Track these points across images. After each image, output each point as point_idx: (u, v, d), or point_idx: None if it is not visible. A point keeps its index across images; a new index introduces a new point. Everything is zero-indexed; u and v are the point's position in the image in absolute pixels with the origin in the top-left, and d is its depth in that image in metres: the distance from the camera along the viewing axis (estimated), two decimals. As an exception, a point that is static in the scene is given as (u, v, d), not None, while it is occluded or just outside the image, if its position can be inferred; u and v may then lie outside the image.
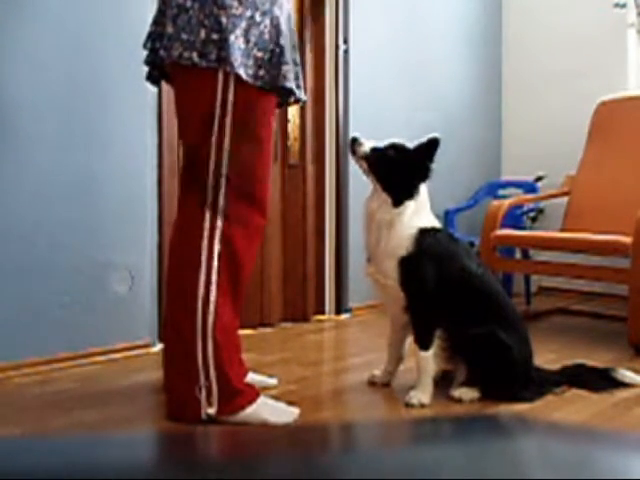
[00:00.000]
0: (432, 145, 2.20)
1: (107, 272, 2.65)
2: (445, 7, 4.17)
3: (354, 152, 2.25)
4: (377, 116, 3.62)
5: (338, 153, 3.57)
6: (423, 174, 2.21)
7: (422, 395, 2.13)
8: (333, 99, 3.56)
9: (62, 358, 2.52)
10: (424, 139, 2.22)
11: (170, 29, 1.86)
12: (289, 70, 1.92)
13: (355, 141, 2.25)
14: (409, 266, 2.14)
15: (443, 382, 2.22)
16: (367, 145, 2.24)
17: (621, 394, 2.26)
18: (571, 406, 2.15)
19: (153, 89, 2.58)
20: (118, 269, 2.68)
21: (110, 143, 2.66)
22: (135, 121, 2.73)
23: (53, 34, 2.50)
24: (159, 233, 2.82)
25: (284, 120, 3.39)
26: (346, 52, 3.57)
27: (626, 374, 2.35)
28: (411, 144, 2.24)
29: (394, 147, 2.23)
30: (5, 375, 2.37)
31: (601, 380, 2.32)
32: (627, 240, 2.82)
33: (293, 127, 3.44)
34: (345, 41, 3.57)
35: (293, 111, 3.40)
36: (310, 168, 3.51)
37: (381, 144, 2.25)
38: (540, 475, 0.32)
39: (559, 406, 2.15)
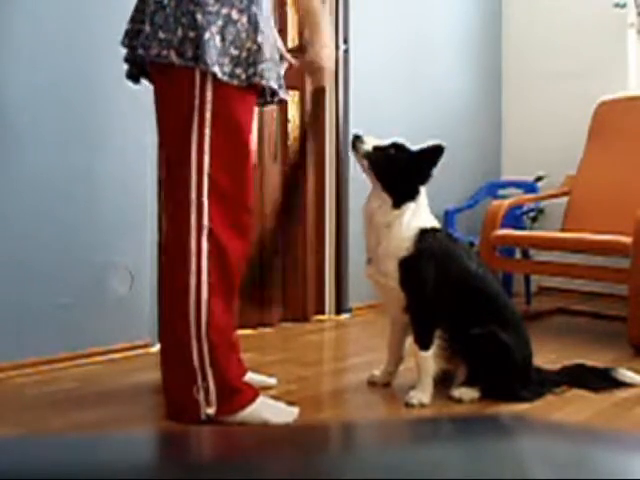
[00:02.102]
0: (436, 152, 2.17)
1: (107, 272, 2.65)
2: (445, 7, 4.17)
3: (356, 150, 2.24)
4: (377, 116, 3.62)
5: (338, 153, 3.57)
6: (423, 178, 2.20)
7: (422, 395, 2.13)
8: (333, 99, 3.56)
9: (62, 358, 2.52)
10: (428, 144, 2.20)
11: (147, 27, 1.85)
12: (267, 69, 1.90)
13: (357, 139, 2.23)
14: (409, 267, 2.14)
15: (443, 382, 2.22)
16: (369, 143, 2.22)
17: (621, 394, 2.26)
18: (571, 406, 2.15)
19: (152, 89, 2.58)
20: (118, 269, 2.68)
21: (109, 143, 2.66)
22: (134, 121, 2.72)
23: (51, 33, 2.50)
24: (159, 232, 2.82)
25: (284, 120, 3.39)
26: (346, 52, 3.57)
27: (626, 374, 2.35)
28: (412, 144, 2.24)
29: (396, 147, 2.21)
30: (5, 375, 2.37)
31: (601, 380, 2.32)
32: (627, 240, 2.82)
33: (293, 127, 3.44)
34: (345, 41, 3.57)
35: (293, 111, 3.40)
36: (310, 168, 3.51)
37: (383, 143, 2.23)
38: (540, 475, 0.32)
39: (559, 406, 2.15)
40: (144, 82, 2.19)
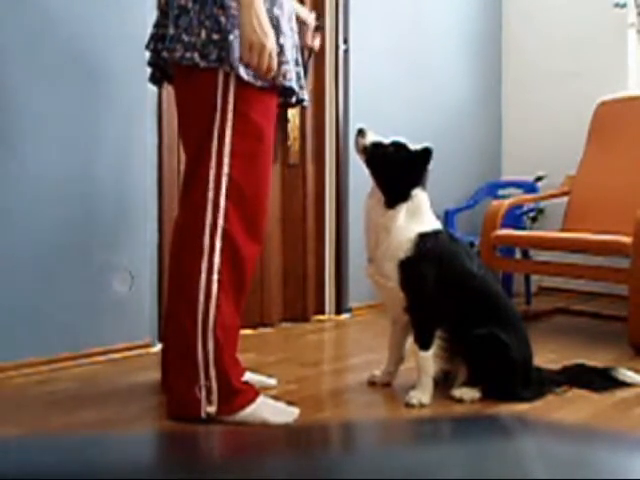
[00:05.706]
0: (424, 155, 2.17)
1: (107, 272, 2.65)
2: (445, 7, 4.17)
3: (356, 143, 2.25)
4: (377, 116, 3.62)
5: (338, 153, 3.56)
6: (416, 180, 2.19)
7: (422, 395, 2.13)
8: (333, 99, 3.56)
9: (62, 358, 2.52)
10: (420, 146, 2.20)
11: (172, 30, 1.88)
12: (289, 70, 1.92)
13: (360, 132, 2.24)
14: (409, 268, 2.14)
15: (443, 382, 2.22)
16: (369, 138, 2.23)
17: (621, 394, 2.26)
18: (571, 406, 2.15)
19: (153, 89, 2.59)
20: (118, 269, 2.68)
21: (110, 143, 2.66)
22: (135, 121, 2.72)
23: (52, 34, 2.50)
24: (159, 233, 2.82)
25: (284, 120, 3.39)
26: (346, 52, 3.57)
27: (626, 374, 2.35)
28: (414, 144, 2.23)
29: (396, 146, 2.21)
30: (5, 375, 2.37)
31: (601, 380, 2.32)
32: (627, 240, 2.82)
33: (293, 127, 3.44)
34: (345, 41, 3.57)
35: (293, 111, 3.40)
36: (310, 168, 3.51)
37: (385, 140, 2.23)
38: (540, 475, 0.32)
39: (559, 406, 2.15)
40: (145, 83, 2.20)
